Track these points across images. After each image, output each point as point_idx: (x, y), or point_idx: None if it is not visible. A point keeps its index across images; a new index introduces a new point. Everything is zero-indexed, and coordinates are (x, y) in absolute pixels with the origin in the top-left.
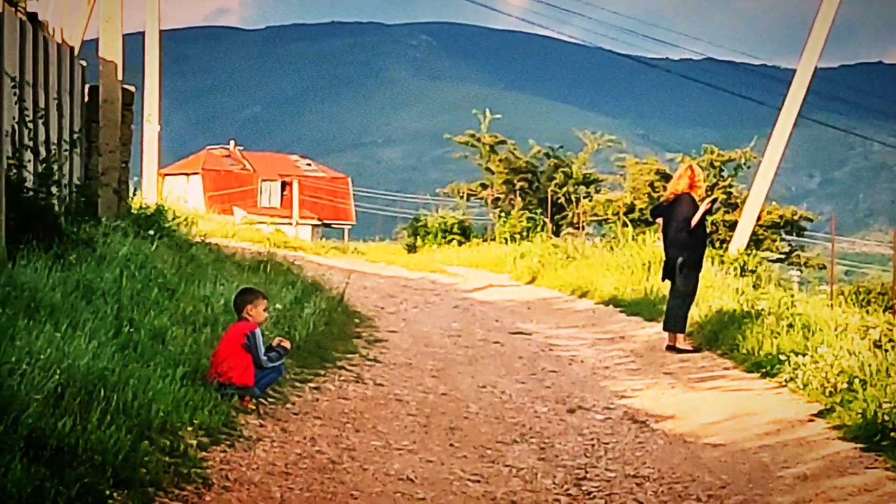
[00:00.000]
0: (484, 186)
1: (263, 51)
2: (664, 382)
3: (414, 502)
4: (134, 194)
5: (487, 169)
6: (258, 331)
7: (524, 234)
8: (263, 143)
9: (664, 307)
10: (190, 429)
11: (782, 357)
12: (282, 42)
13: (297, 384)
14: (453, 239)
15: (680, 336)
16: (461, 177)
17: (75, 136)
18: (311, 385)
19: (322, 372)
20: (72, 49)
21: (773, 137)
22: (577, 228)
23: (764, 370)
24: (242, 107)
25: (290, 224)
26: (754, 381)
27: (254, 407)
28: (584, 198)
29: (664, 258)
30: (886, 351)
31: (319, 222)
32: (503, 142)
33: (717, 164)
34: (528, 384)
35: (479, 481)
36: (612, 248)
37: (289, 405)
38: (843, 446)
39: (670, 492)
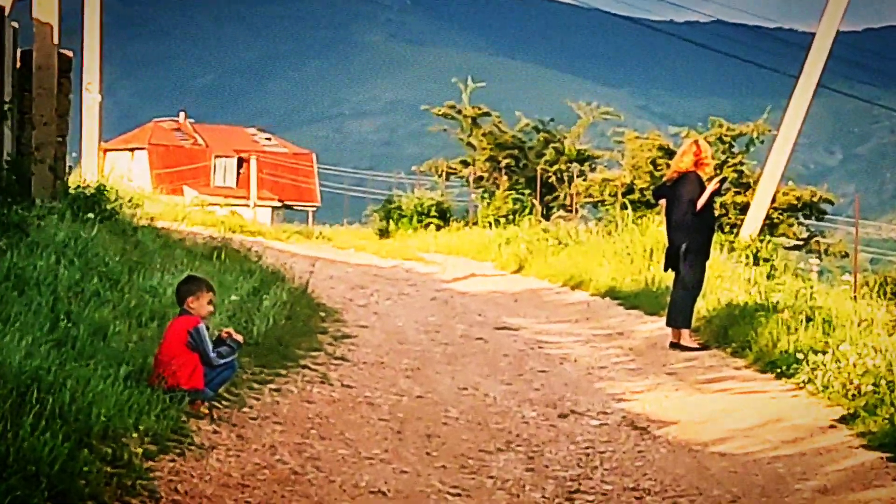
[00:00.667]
0: (465, 164)
1: (219, 12)
2: (667, 384)
3: None
4: (72, 172)
5: (469, 144)
6: (202, 325)
7: (510, 217)
8: (218, 115)
9: (667, 300)
10: (135, 435)
11: (800, 356)
12: (240, 2)
13: (256, 385)
14: (430, 223)
15: (685, 332)
16: (440, 153)
17: (5, 107)
18: (271, 386)
19: (283, 372)
20: (1, 9)
21: (790, 109)
22: (570, 211)
23: (779, 370)
24: (194, 75)
25: (248, 206)
26: (768, 382)
27: (206, 411)
28: (578, 177)
29: (667, 244)
30: None
31: (280, 204)
32: (487, 114)
33: (726, 138)
34: (514, 386)
35: (459, 494)
36: (609, 234)
37: (246, 409)
38: (868, 456)
39: None
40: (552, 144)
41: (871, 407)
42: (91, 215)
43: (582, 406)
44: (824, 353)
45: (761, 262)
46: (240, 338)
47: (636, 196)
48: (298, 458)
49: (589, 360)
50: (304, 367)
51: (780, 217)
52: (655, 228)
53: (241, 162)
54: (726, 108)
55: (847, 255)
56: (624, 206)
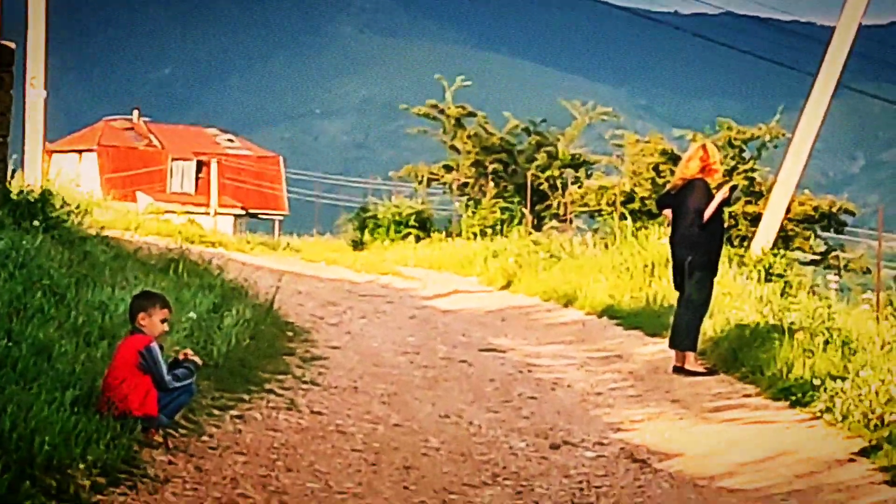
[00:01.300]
0: (448, 169)
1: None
2: (670, 412)
3: None
4: (13, 176)
5: (453, 147)
6: (154, 345)
7: (498, 228)
8: (173, 113)
9: (671, 319)
10: (82, 466)
11: (816, 382)
12: None
13: (216, 412)
14: (409, 233)
15: (690, 355)
16: (419, 157)
17: None
18: (233, 413)
19: (246, 397)
20: None
21: (807, 110)
22: (564, 221)
23: (794, 398)
24: (150, 68)
25: (208, 214)
26: (782, 411)
27: (161, 440)
28: (573, 184)
29: (671, 260)
30: None
31: (244, 212)
32: (472, 114)
33: (736, 142)
34: (501, 413)
35: None
36: (606, 247)
37: (205, 438)
38: (891, 492)
39: None
40: (544, 148)
41: (894, 438)
42: (35, 223)
43: (576, 436)
44: (843, 379)
45: (774, 279)
46: (198, 359)
47: (636, 205)
48: (263, 493)
49: (584, 385)
50: (270, 391)
51: (796, 229)
52: (657, 241)
53: (200, 165)
54: (736, 108)
55: (869, 271)
56: (623, 217)
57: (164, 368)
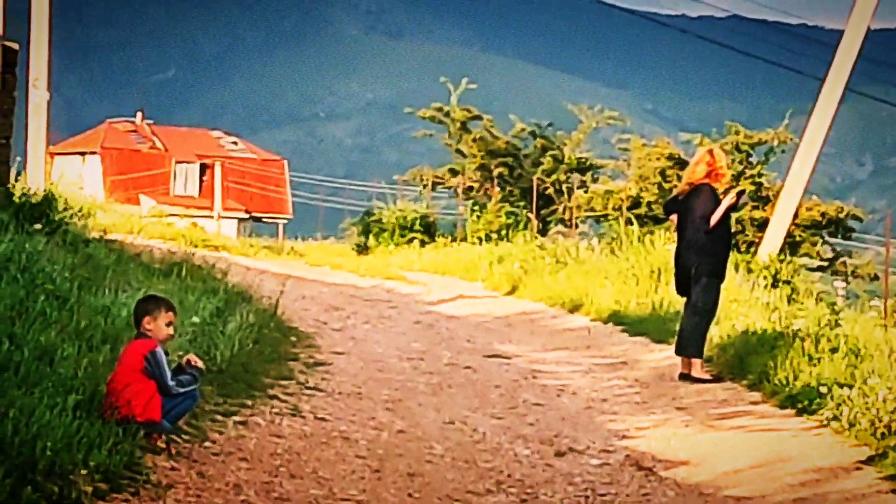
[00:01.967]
0: (453, 173)
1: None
2: (676, 419)
3: None
4: (16, 179)
5: (458, 151)
6: (159, 349)
7: (503, 232)
8: (179, 115)
9: (677, 326)
10: (84, 472)
11: (823, 389)
12: None
13: (219, 417)
14: (414, 238)
15: (696, 362)
16: (424, 160)
17: None
18: (236, 419)
19: (249, 402)
20: None
21: (815, 115)
22: (569, 226)
23: (800, 405)
24: (153, 70)
25: (211, 217)
26: (788, 418)
27: (164, 445)
28: (579, 188)
29: (675, 265)
30: None
31: (247, 215)
32: (478, 117)
33: (743, 147)
34: (506, 420)
35: None
36: (612, 252)
37: (208, 443)
38: None
39: None
40: (550, 152)
41: None
42: (37, 227)
43: (581, 443)
44: (850, 386)
45: (781, 285)
46: (202, 364)
47: (643, 210)
48: (266, 499)
49: (589, 392)
50: (273, 397)
51: (803, 235)
52: (664, 246)
53: (204, 168)
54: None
55: (877, 277)
56: (629, 222)
57: (168, 373)
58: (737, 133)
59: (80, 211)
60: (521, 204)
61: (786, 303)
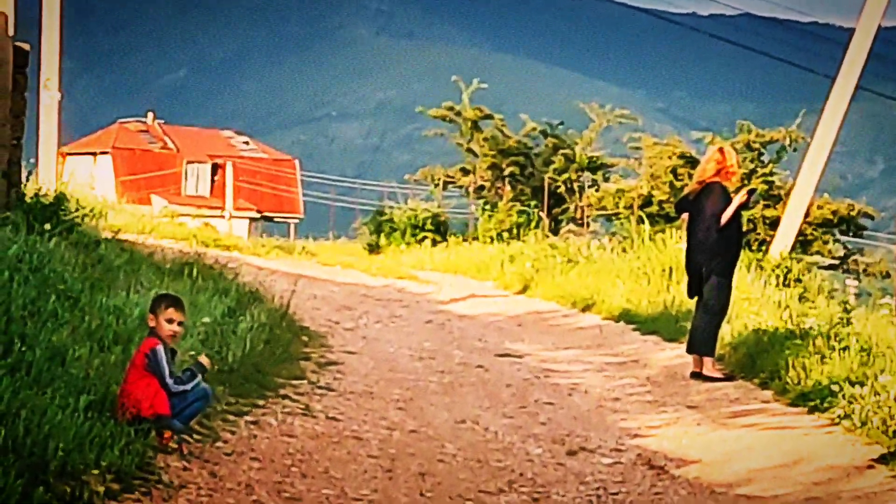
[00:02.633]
0: (464, 172)
1: (190, 3)
2: (688, 418)
3: None
4: (28, 179)
5: (469, 150)
6: (159, 347)
7: (514, 231)
8: (190, 115)
9: (689, 324)
10: (96, 472)
11: (835, 388)
12: None
13: (231, 417)
14: (426, 237)
15: (708, 360)
16: (435, 160)
17: None
18: (248, 418)
19: (261, 402)
20: None
21: (826, 114)
22: (581, 225)
23: (812, 404)
24: (164, 71)
25: (223, 217)
26: (800, 417)
27: (176, 445)
28: (590, 187)
29: (686, 265)
30: None
31: (259, 215)
32: (489, 116)
33: (755, 145)
34: (517, 419)
35: None
36: (623, 251)
37: (220, 444)
38: None
39: None
40: (561, 151)
41: None
42: (49, 227)
43: (593, 442)
44: (862, 385)
45: (793, 284)
46: (206, 361)
47: (654, 209)
48: (278, 499)
49: (601, 391)
50: (285, 397)
51: (815, 233)
52: (675, 245)
53: (215, 168)
54: (755, 111)
55: (888, 275)
56: (640, 220)
57: (167, 370)
58: (748, 132)
59: (91, 211)
60: (533, 203)
61: (797, 301)
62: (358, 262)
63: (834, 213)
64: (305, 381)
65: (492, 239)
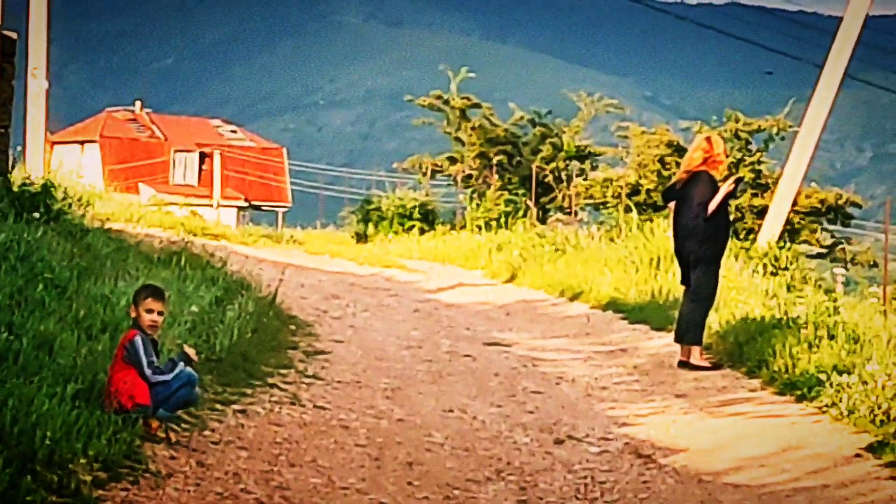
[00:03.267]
0: (452, 161)
1: None
2: (675, 407)
3: None
4: (14, 167)
5: (457, 139)
6: (137, 338)
7: (502, 220)
8: (178, 104)
9: (676, 313)
10: (84, 461)
11: (822, 377)
12: None
13: (218, 406)
14: (413, 226)
15: (695, 349)
16: (424, 148)
17: None
18: (236, 407)
19: (249, 391)
20: None
21: (813, 102)
22: (569, 214)
23: (799, 392)
24: (152, 58)
25: (211, 206)
26: (787, 405)
27: (163, 434)
28: (578, 176)
29: (675, 253)
30: None
31: (246, 204)
32: (477, 105)
33: (742, 134)
34: (505, 408)
35: None
36: (611, 239)
37: (207, 432)
38: None
39: None
40: (549, 140)
41: None
42: (36, 215)
43: (580, 431)
44: (850, 373)
45: (780, 272)
46: (192, 352)
47: (642, 198)
48: (265, 488)
49: (588, 379)
50: (272, 386)
51: (802, 222)
52: (663, 234)
53: (203, 157)
54: (743, 99)
55: (876, 264)
56: (628, 209)
57: (144, 361)
58: (736, 120)
59: (79, 200)
60: (521, 192)
61: (785, 290)
62: (346, 251)
63: (822, 201)
64: (293, 370)
65: (479, 228)
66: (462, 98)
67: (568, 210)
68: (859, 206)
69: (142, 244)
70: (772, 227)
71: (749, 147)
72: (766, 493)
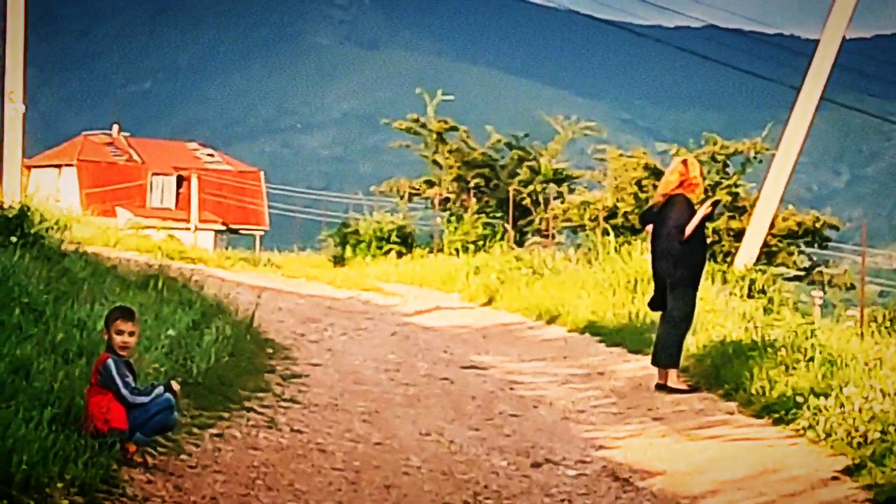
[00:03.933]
0: (430, 184)
1: (155, 10)
2: (653, 430)
3: None
4: None
5: (434, 162)
6: (110, 361)
7: (480, 243)
8: (155, 127)
9: (653, 336)
10: (60, 485)
11: (799, 399)
12: None
13: (195, 430)
14: (391, 249)
15: (672, 372)
16: (400, 171)
17: None
18: (212, 431)
19: (226, 415)
20: None
21: (790, 124)
22: (546, 237)
23: (777, 415)
24: (128, 81)
25: (188, 229)
26: (764, 428)
27: (140, 459)
28: (555, 199)
29: (653, 276)
30: None
31: (224, 227)
32: (454, 128)
33: (719, 157)
34: (482, 431)
35: None
36: (589, 262)
37: (184, 456)
38: None
39: None
40: (526, 163)
41: (878, 457)
42: (13, 239)
43: (558, 454)
44: (827, 396)
45: (757, 295)
46: (177, 388)
47: (619, 221)
48: None
49: (566, 403)
50: (250, 409)
51: (779, 245)
52: (640, 257)
53: (180, 180)
54: (720, 122)
55: (853, 286)
56: (606, 232)
57: (120, 382)
58: (713, 143)
59: (56, 223)
60: (498, 215)
61: (762, 313)
62: (323, 274)
63: (799, 224)
64: (270, 394)
65: (457, 251)
66: (439, 121)
67: (545, 233)
68: (836, 229)
69: (119, 268)
70: (749, 250)
71: (727, 170)
72: None
